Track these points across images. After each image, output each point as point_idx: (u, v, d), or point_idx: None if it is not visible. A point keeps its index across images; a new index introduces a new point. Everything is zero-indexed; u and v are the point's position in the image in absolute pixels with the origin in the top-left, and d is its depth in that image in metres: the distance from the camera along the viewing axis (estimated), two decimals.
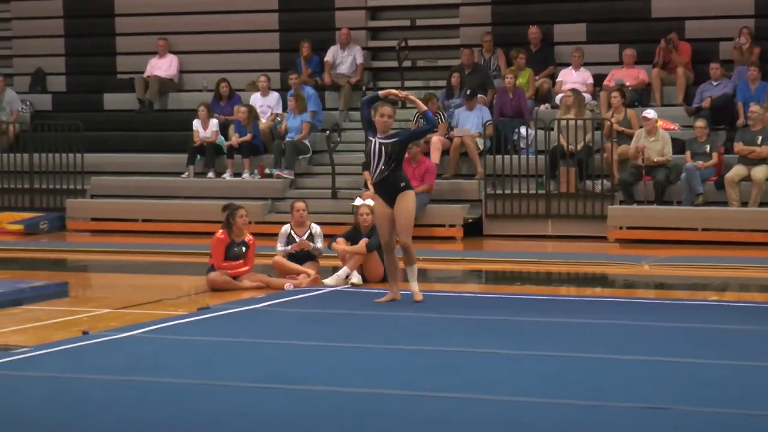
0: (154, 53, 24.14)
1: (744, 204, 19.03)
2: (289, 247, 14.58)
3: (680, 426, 7.58)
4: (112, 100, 24.42)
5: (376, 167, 12.39)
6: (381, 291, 13.24)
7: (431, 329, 11.40)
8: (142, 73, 24.08)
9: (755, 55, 20.82)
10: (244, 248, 14.23)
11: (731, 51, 21.25)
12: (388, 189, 12.41)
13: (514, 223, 20.23)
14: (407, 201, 12.44)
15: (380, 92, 12.95)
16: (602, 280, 16.11)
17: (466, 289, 15.25)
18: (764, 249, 17.93)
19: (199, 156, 22.04)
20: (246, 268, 14.25)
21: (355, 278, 14.28)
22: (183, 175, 22.06)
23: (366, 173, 20.15)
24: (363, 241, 14.26)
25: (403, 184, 12.42)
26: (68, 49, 25.29)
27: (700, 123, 19.71)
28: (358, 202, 16.07)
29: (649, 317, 12.12)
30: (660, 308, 13.09)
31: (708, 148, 19.57)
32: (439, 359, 9.92)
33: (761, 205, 18.97)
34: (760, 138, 19.26)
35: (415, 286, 12.60)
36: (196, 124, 22.05)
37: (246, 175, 21.68)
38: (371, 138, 12.38)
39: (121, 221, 21.52)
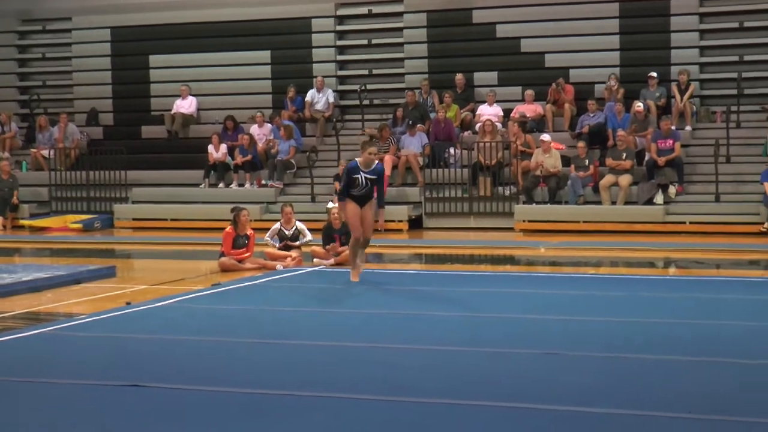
0: (178, 96, 24.02)
1: (613, 203, 19.13)
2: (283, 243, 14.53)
3: (566, 366, 7.62)
4: (148, 131, 24.27)
5: (362, 188, 12.09)
6: (349, 270, 13.24)
7: (385, 297, 11.41)
8: (170, 110, 23.97)
9: (621, 94, 20.91)
10: (246, 240, 14.19)
11: (603, 91, 21.33)
12: (364, 199, 12.15)
13: (446, 219, 20.26)
14: (373, 208, 12.33)
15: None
16: (510, 260, 16.15)
17: (411, 267, 15.25)
18: (628, 235, 18.02)
19: (212, 171, 21.96)
20: (248, 254, 14.20)
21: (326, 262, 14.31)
22: (200, 186, 21.97)
23: (336, 183, 20.18)
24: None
25: (372, 196, 12.25)
26: (115, 94, 25.13)
27: (581, 144, 19.81)
28: (330, 205, 16.04)
29: (545, 286, 12.19)
30: (553, 280, 13.15)
31: (587, 162, 19.66)
32: (391, 319, 9.92)
33: (626, 203, 19.08)
34: (624, 155, 19.36)
35: (362, 268, 12.51)
36: (210, 148, 21.97)
37: (247, 186, 21.62)
38: (356, 175, 12.01)
39: (155, 221, 21.38)
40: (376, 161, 12.19)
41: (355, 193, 12.15)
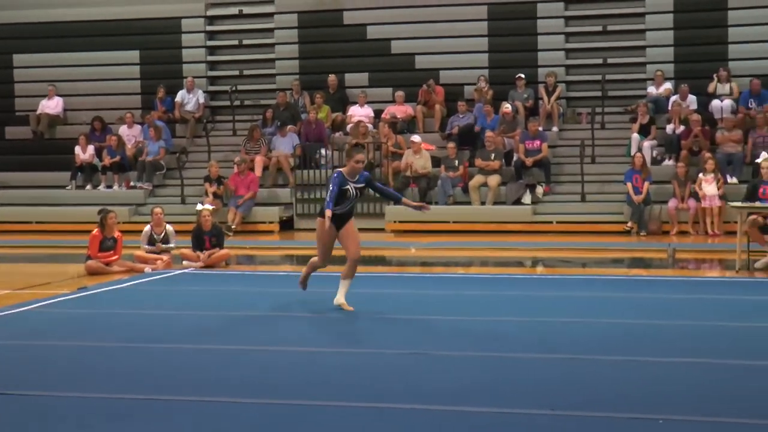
0: (44, 96, 23.48)
1: (482, 203, 19.38)
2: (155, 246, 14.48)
3: (433, 365, 7.68)
4: (12, 132, 23.66)
5: (349, 203, 10.30)
6: (219, 273, 13.11)
7: (255, 299, 11.33)
8: (36, 111, 23.41)
9: (490, 95, 21.21)
10: (114, 242, 13.95)
11: (473, 92, 21.60)
12: (345, 217, 10.36)
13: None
14: (354, 225, 10.53)
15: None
16: (382, 261, 16.18)
17: (282, 269, 15.19)
18: (497, 235, 18.27)
19: (79, 173, 21.55)
20: (116, 257, 13.96)
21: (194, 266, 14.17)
22: (67, 188, 21.53)
23: (207, 184, 19.96)
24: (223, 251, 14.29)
25: (353, 213, 10.54)
26: None
27: (451, 145, 20.02)
28: (200, 207, 15.82)
29: (416, 287, 12.26)
30: (423, 280, 13.24)
31: (457, 162, 19.88)
32: (260, 321, 9.86)
33: (495, 203, 19.35)
34: (493, 155, 19.63)
35: (342, 298, 10.40)
36: (77, 149, 21.56)
37: (116, 187, 21.26)
38: (345, 186, 10.15)
39: (20, 224, 20.89)
40: (362, 170, 10.37)
41: (338, 211, 10.22)
